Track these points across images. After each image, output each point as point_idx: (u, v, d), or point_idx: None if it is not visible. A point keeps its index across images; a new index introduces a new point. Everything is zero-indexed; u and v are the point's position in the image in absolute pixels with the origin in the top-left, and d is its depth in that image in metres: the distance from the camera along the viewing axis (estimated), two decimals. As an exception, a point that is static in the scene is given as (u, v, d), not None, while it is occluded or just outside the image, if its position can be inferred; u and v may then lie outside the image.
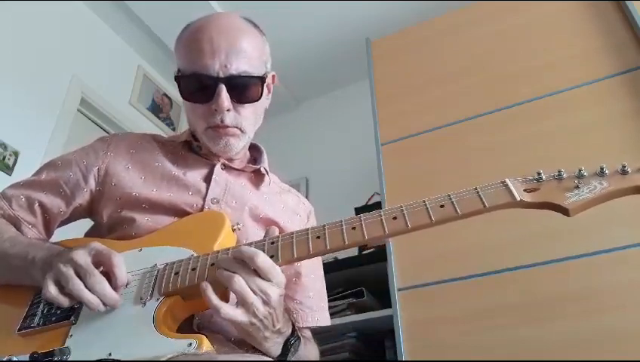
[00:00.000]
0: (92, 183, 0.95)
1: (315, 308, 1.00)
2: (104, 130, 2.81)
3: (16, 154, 2.23)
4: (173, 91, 3.32)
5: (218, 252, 0.76)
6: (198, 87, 0.91)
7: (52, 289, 0.72)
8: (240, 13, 1.00)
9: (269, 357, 0.76)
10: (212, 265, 0.74)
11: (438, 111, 1.91)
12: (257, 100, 0.95)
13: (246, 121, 0.95)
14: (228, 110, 0.91)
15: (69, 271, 0.72)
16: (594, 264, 1.43)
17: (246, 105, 0.94)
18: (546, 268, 1.48)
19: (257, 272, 0.69)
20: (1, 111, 2.22)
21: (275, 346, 0.77)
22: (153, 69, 3.23)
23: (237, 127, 0.94)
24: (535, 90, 1.76)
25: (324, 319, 1.01)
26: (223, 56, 0.90)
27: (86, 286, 0.71)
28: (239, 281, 0.68)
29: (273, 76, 1.03)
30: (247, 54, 0.92)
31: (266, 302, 0.69)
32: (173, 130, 3.24)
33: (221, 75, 0.89)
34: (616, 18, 1.74)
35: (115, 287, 0.73)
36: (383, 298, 1.79)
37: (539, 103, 1.74)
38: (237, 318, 0.68)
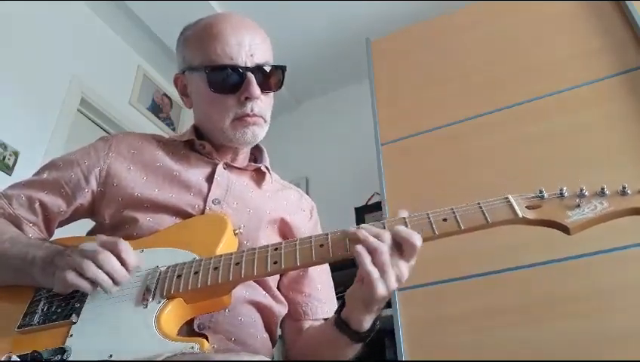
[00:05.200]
0: (93, 184, 0.94)
1: (324, 300, 1.01)
2: (104, 130, 2.80)
3: (16, 154, 2.23)
4: (174, 91, 3.31)
5: (221, 256, 0.77)
6: (226, 77, 0.92)
7: (72, 274, 0.72)
8: (241, 13, 1.01)
9: (360, 329, 0.79)
10: (215, 268, 0.74)
11: (438, 111, 1.91)
12: (279, 88, 0.98)
13: (267, 111, 0.98)
14: (257, 98, 0.93)
15: (80, 258, 0.72)
16: (594, 264, 1.43)
17: (270, 94, 0.97)
18: (546, 268, 1.48)
19: (402, 251, 0.70)
20: (1, 111, 2.21)
21: (369, 321, 0.79)
22: (153, 69, 3.23)
23: (262, 117, 0.96)
24: (535, 90, 1.77)
25: (334, 310, 1.00)
26: (247, 46, 0.93)
27: (96, 265, 0.72)
28: (386, 255, 0.68)
29: None
30: (264, 46, 0.96)
31: (398, 280, 0.70)
32: (174, 130, 3.23)
33: (249, 64, 0.92)
34: (616, 18, 1.74)
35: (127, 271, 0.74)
36: (383, 298, 1.78)
37: (539, 103, 1.75)
38: (378, 290, 0.69)
